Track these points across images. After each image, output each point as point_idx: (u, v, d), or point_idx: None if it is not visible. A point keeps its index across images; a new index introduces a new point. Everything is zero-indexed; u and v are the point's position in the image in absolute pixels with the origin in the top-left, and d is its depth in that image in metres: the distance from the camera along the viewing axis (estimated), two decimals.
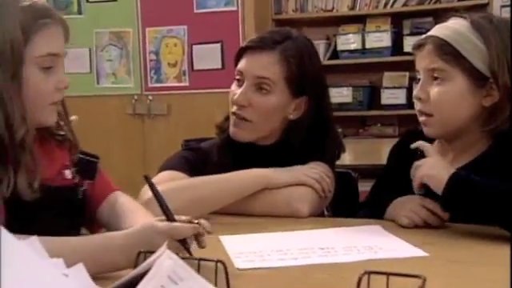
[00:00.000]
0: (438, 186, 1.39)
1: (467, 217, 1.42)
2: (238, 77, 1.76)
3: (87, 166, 1.45)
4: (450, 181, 1.37)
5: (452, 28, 1.53)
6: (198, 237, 1.16)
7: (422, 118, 1.57)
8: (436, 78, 1.52)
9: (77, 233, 1.21)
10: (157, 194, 1.19)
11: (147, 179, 1.21)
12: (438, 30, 1.54)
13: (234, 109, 1.74)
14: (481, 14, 1.59)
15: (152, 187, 1.20)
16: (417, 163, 1.47)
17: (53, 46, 1.30)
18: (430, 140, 1.62)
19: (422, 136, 1.60)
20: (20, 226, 0.98)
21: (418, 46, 1.56)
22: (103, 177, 1.49)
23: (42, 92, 1.30)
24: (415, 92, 1.57)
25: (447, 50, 1.50)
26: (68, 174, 1.39)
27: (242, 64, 1.75)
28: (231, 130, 1.75)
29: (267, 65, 1.71)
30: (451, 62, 1.50)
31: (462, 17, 1.55)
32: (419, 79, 1.58)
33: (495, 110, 1.51)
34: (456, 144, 1.59)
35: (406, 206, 1.51)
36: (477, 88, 1.50)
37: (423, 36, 1.57)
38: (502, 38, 1.49)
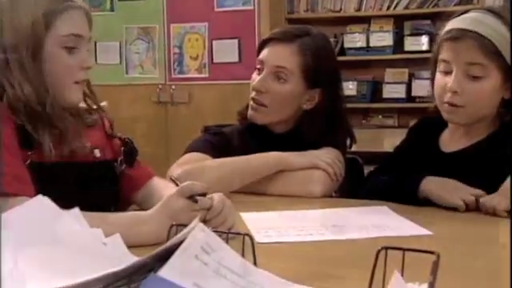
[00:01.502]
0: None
1: None
2: (258, 66, 1.75)
3: (129, 152, 1.42)
4: None
5: (490, 26, 1.43)
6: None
7: (448, 108, 1.48)
8: (471, 74, 1.44)
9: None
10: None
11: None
12: (477, 26, 1.43)
13: (253, 94, 1.73)
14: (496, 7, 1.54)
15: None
16: (491, 201, 1.37)
17: (75, 27, 1.29)
18: (446, 125, 1.59)
19: (438, 122, 1.58)
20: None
21: (454, 38, 1.45)
22: (140, 167, 1.46)
23: (66, 69, 1.29)
24: (451, 84, 1.45)
25: (490, 49, 1.42)
26: (97, 152, 1.35)
27: (263, 54, 1.74)
28: (249, 113, 1.74)
29: (286, 56, 1.69)
30: (492, 59, 1.42)
31: (492, 12, 1.46)
32: (444, 71, 1.48)
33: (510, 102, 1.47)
34: (470, 125, 1.54)
35: (459, 190, 1.43)
36: (504, 83, 1.46)
37: (451, 27, 1.47)
38: None
